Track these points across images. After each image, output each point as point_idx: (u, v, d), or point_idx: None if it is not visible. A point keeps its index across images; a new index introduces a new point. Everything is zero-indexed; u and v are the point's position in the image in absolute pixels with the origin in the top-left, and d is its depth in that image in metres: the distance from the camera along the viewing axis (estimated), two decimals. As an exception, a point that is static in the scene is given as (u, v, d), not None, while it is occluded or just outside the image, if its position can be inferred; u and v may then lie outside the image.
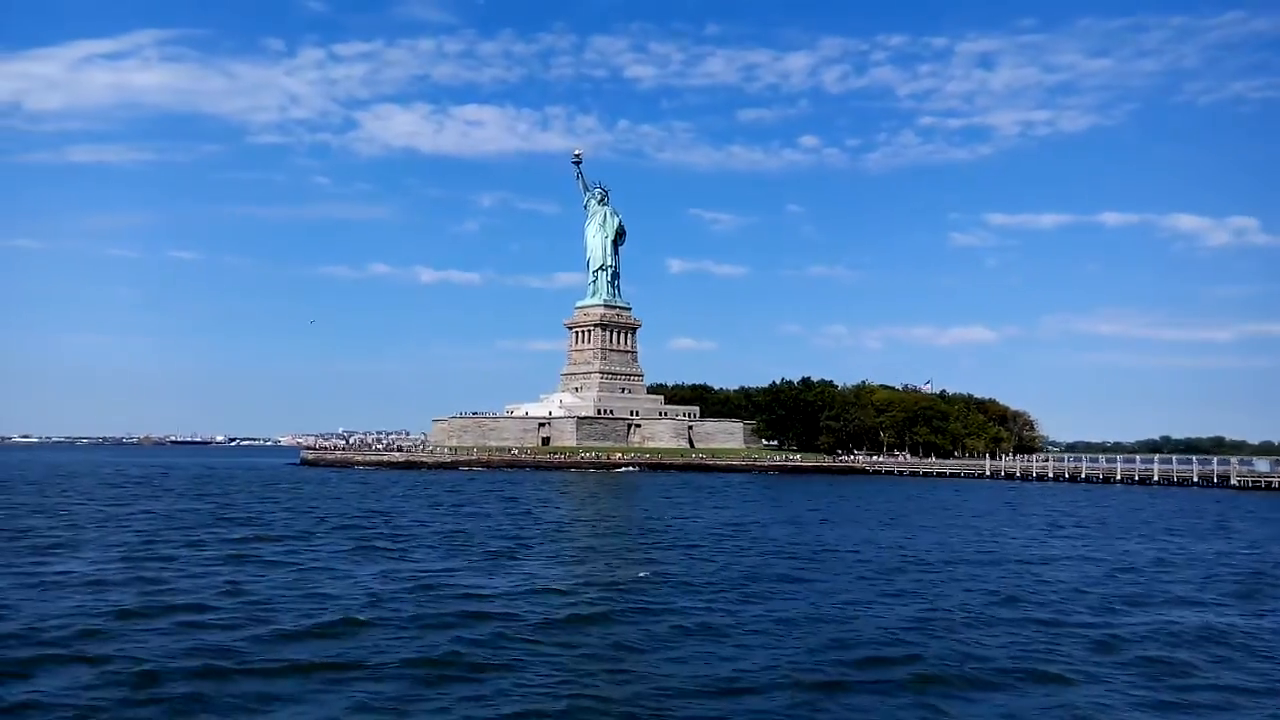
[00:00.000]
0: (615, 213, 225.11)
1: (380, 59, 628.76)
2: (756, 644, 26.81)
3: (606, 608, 31.77)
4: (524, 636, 27.23)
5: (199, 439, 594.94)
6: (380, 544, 49.87)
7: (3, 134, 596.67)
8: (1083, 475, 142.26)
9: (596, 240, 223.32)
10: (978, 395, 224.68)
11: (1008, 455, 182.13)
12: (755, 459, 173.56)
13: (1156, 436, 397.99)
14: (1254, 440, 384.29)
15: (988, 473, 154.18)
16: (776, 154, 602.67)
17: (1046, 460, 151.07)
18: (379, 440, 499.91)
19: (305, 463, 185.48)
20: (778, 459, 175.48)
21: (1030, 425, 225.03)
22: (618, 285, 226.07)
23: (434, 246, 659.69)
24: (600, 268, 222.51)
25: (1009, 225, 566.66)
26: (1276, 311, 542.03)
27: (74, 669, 22.88)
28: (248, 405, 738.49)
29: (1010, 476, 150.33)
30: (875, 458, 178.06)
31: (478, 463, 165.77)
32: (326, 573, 39.03)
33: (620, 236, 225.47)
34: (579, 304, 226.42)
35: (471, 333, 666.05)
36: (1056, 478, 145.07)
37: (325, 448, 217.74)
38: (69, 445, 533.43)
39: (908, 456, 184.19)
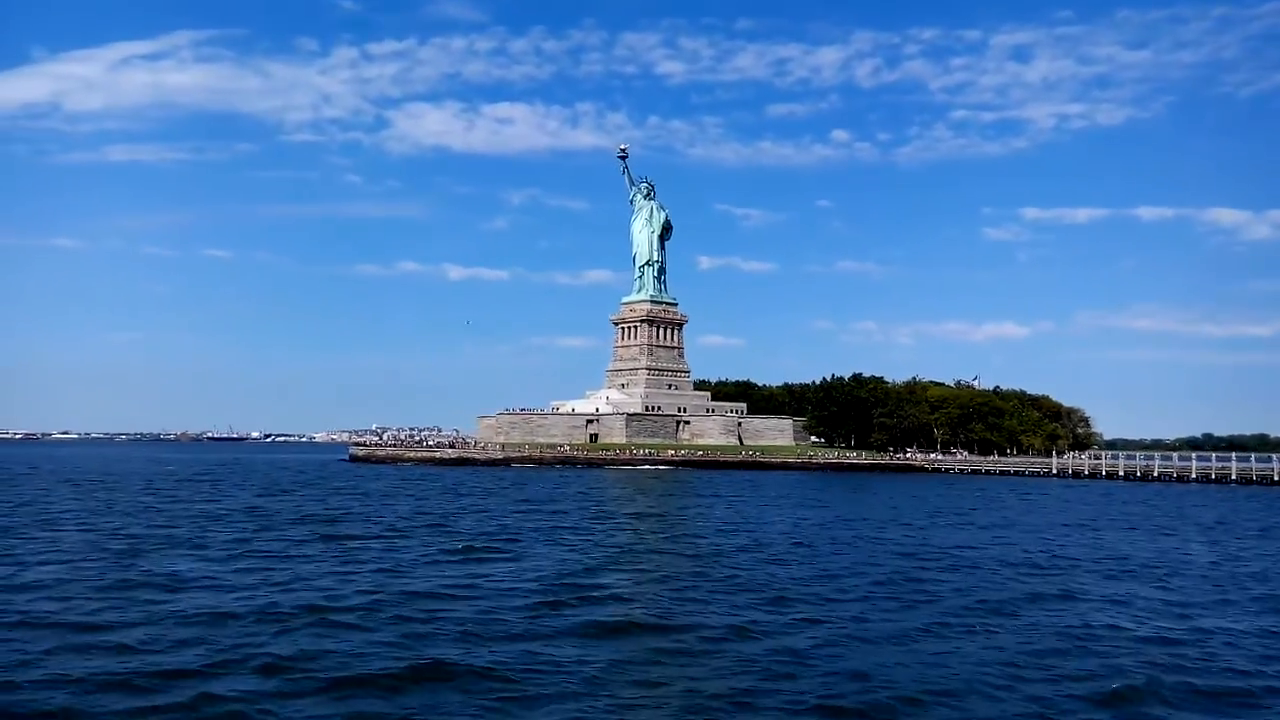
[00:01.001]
0: (662, 207, 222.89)
1: (412, 58, 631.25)
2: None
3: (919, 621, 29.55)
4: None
5: (235, 435, 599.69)
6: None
7: (43, 135, 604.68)
8: (1155, 474, 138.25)
9: (643, 235, 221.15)
10: (1030, 391, 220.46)
11: (1066, 453, 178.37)
12: (811, 456, 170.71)
13: (1198, 434, 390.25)
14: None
15: (1054, 471, 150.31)
16: (807, 149, 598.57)
17: (1117, 459, 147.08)
18: (412, 435, 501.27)
19: (355, 459, 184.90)
20: (831, 456, 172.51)
21: (1085, 422, 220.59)
22: (664, 280, 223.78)
23: (463, 244, 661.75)
24: (647, 263, 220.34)
25: (1043, 220, 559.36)
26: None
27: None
28: (281, 402, 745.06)
29: (1078, 475, 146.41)
30: (933, 455, 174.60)
31: (530, 459, 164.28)
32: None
33: (667, 231, 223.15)
34: (625, 299, 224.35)
35: (501, 330, 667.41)
36: (1127, 476, 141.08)
37: (373, 444, 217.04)
38: (107, 441, 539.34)
39: (965, 454, 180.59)
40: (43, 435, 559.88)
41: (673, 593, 34.07)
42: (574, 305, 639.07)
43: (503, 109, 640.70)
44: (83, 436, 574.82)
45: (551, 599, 32.03)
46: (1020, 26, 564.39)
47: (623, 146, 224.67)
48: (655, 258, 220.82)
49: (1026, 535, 58.38)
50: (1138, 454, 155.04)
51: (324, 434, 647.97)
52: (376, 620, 28.09)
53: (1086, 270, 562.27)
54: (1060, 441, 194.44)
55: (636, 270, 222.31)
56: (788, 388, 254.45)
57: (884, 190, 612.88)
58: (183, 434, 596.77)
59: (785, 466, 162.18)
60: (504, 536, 51.61)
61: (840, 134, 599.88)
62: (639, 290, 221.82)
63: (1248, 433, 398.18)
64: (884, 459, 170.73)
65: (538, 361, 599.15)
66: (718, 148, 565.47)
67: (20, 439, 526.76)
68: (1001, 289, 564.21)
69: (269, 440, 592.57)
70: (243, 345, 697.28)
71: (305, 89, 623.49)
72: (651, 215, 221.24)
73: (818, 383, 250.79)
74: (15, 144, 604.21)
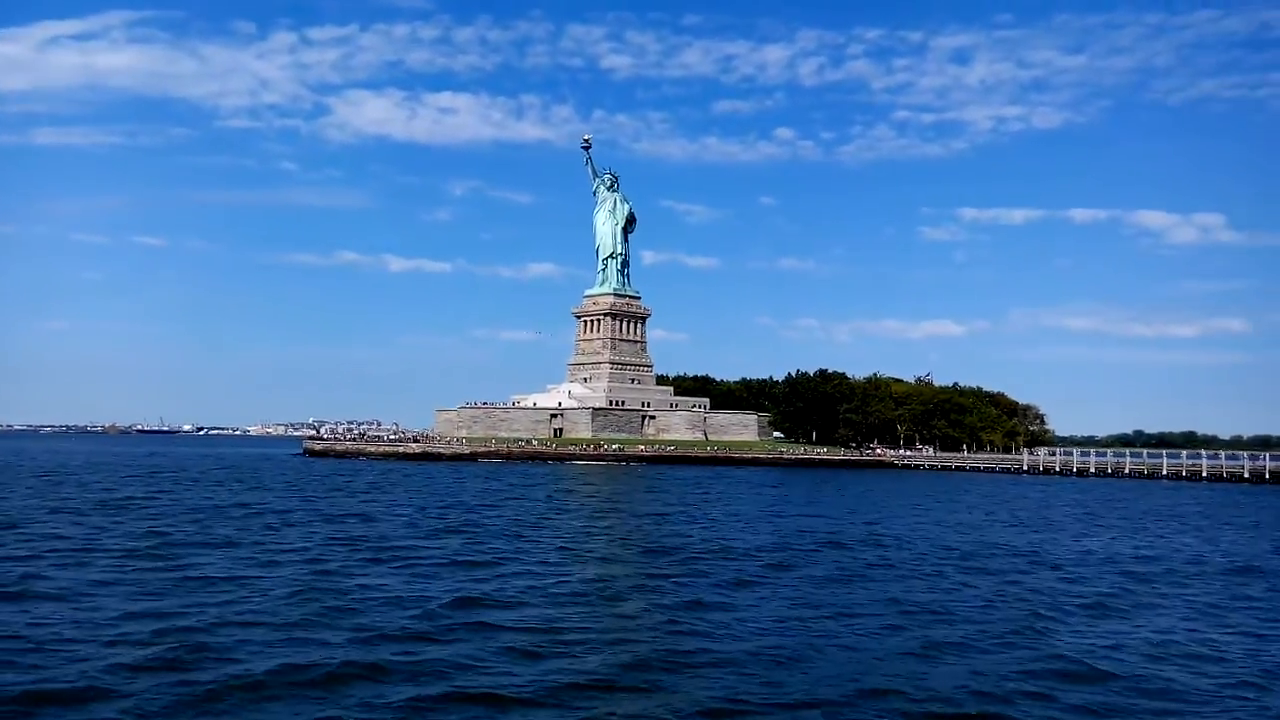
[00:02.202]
0: (625, 200, 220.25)
1: (353, 44, 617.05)
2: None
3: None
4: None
5: (166, 428, 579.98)
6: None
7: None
8: (1126, 471, 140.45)
9: (606, 227, 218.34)
10: (987, 388, 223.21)
11: (1024, 449, 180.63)
12: (782, 452, 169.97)
13: (1129, 431, 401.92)
14: (1224, 435, 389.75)
15: (1024, 468, 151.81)
16: (752, 146, 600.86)
17: (1088, 456, 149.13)
18: (351, 429, 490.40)
19: (311, 454, 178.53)
20: (801, 453, 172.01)
21: (1040, 419, 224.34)
22: (628, 274, 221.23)
23: (404, 235, 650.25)
24: (610, 255, 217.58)
25: (980, 220, 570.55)
26: (1239, 308, 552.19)
27: None
28: (213, 394, 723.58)
29: (1048, 471, 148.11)
30: (902, 452, 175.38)
31: (496, 454, 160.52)
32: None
33: (630, 224, 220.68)
34: (588, 292, 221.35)
35: (442, 322, 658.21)
36: (1099, 473, 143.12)
37: (331, 438, 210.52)
38: (32, 433, 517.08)
39: (930, 450, 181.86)
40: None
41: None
42: (518, 299, 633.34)
43: (446, 99, 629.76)
44: (5, 429, 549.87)
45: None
46: (961, 29, 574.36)
47: (586, 137, 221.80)
48: (619, 250, 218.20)
49: (1063, 534, 57.48)
50: (1108, 452, 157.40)
51: (258, 427, 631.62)
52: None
53: (1022, 270, 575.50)
54: (1019, 438, 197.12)
55: (600, 263, 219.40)
56: (745, 383, 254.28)
57: (826, 188, 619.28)
58: (111, 426, 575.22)
59: (756, 462, 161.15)
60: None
61: (784, 132, 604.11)
62: (602, 283, 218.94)
63: (1176, 430, 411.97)
64: (854, 455, 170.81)
65: (481, 355, 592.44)
66: (663, 143, 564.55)
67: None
68: (939, 288, 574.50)
69: (201, 433, 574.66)
70: (174, 335, 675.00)
71: (242, 74, 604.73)
72: (615, 207, 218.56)
73: (774, 378, 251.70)
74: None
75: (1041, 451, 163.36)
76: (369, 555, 40.96)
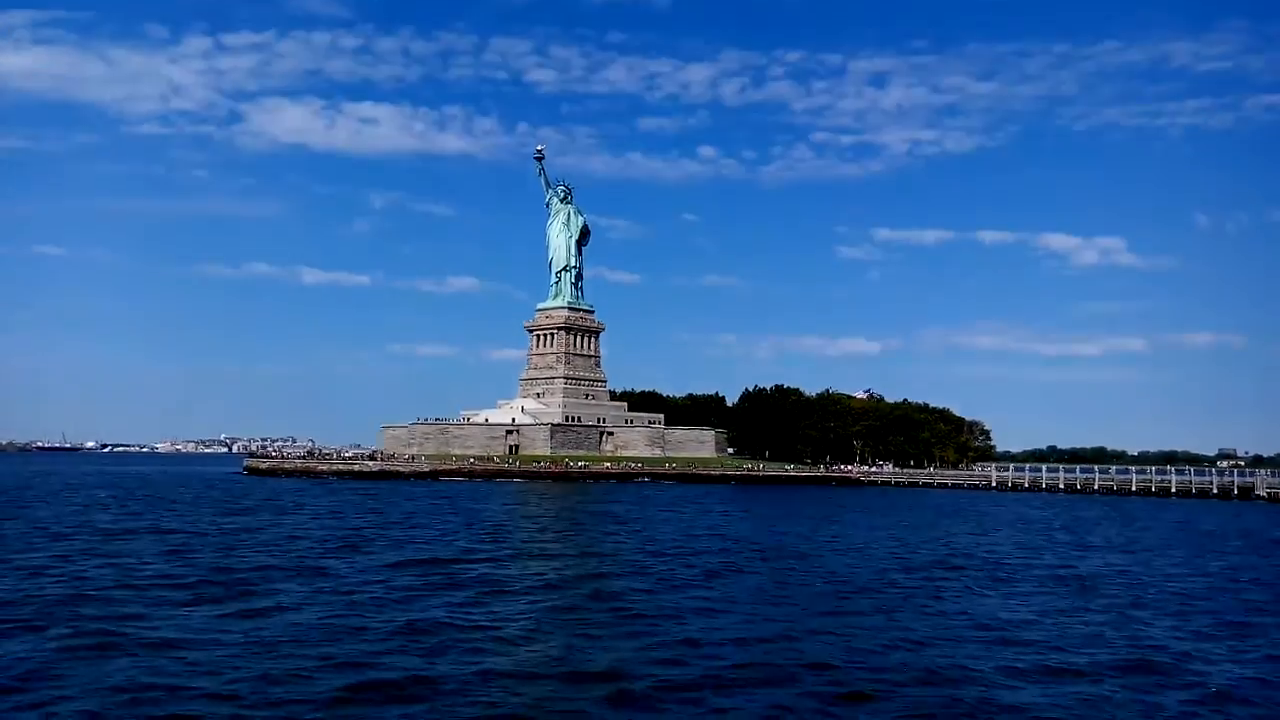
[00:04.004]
0: (579, 212, 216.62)
1: (270, 51, 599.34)
2: None
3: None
4: None
5: (68, 445, 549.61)
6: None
7: None
8: (1095, 487, 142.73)
9: (560, 240, 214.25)
10: (933, 404, 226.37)
11: (973, 464, 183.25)
12: (750, 469, 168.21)
13: (1043, 446, 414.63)
14: (1132, 450, 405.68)
15: (993, 484, 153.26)
16: (675, 164, 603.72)
17: (1056, 472, 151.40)
18: (265, 447, 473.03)
19: (255, 471, 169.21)
20: (763, 469, 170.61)
21: (986, 434, 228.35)
22: (581, 287, 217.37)
23: (322, 247, 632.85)
24: (564, 268, 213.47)
25: (893, 240, 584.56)
26: (1139, 327, 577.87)
27: None
28: (115, 410, 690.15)
29: (1016, 488, 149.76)
30: (867, 468, 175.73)
31: (458, 472, 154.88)
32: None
33: (585, 236, 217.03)
34: (540, 306, 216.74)
35: (360, 336, 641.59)
36: (1068, 489, 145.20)
37: (274, 456, 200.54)
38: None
39: (890, 466, 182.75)
40: None
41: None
42: (437, 312, 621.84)
43: (367, 109, 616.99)
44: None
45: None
46: (878, 53, 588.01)
47: (540, 148, 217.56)
48: (573, 263, 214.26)
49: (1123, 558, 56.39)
50: (1076, 468, 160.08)
51: (167, 444, 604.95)
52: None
53: (933, 289, 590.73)
54: (970, 454, 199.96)
55: (553, 275, 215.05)
56: (693, 399, 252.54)
57: (747, 207, 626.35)
58: (9, 443, 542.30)
59: (725, 479, 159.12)
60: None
61: (707, 150, 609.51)
62: (555, 296, 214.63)
63: (1087, 446, 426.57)
64: (819, 471, 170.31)
65: (398, 370, 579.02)
66: (587, 158, 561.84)
67: None
68: (854, 305, 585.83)
69: (106, 450, 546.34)
70: (75, 347, 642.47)
71: (153, 78, 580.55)
72: (569, 219, 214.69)
73: (720, 394, 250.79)
74: None
75: (1007, 469, 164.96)
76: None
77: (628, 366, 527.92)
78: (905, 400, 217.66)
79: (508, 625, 30.45)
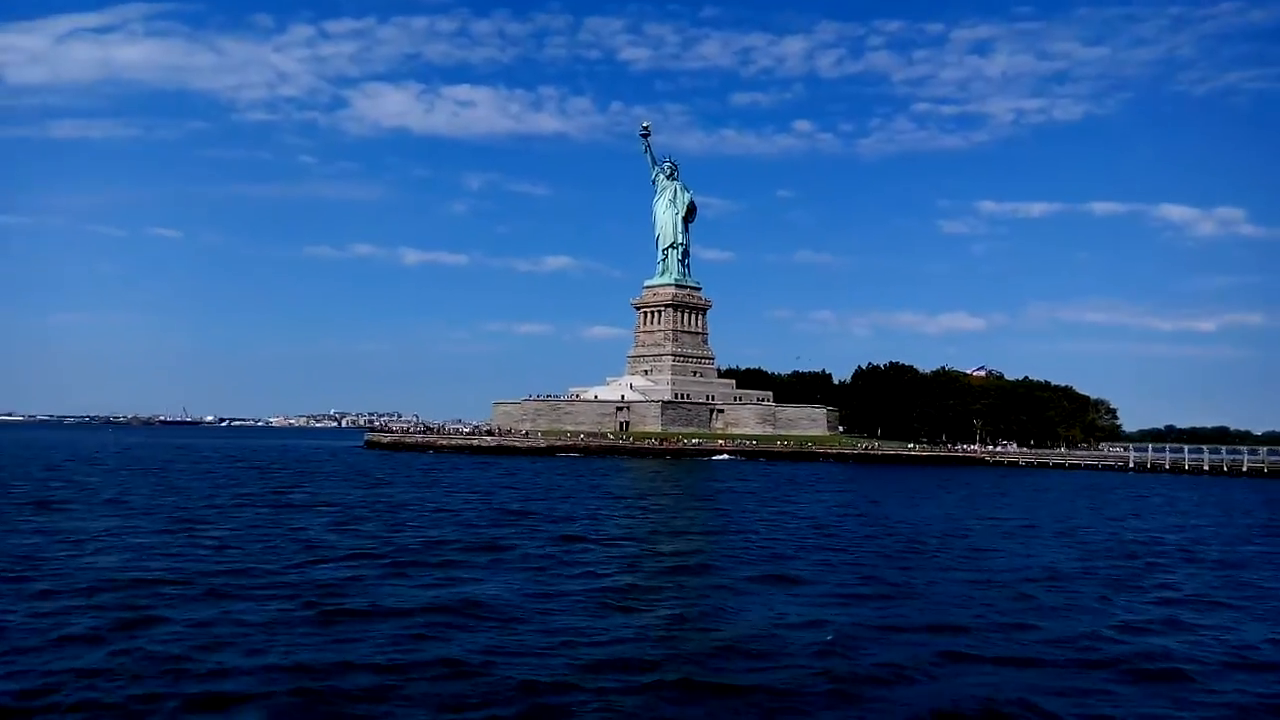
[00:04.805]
0: (686, 188, 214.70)
1: (371, 37, 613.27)
2: None
3: None
4: None
5: (189, 419, 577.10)
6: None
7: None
8: (1244, 469, 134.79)
9: (666, 216, 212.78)
10: (1055, 382, 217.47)
11: (1103, 445, 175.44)
12: (868, 448, 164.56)
13: (1160, 426, 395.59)
14: (1258, 430, 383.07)
15: (1129, 465, 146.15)
16: (769, 139, 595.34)
17: (1200, 453, 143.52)
18: (371, 421, 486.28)
19: (376, 445, 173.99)
20: (879, 448, 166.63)
21: (1112, 413, 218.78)
22: (688, 264, 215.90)
23: (421, 228, 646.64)
24: (671, 245, 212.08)
25: (998, 213, 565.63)
26: (1260, 302, 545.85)
27: None
28: (231, 385, 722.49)
29: (1156, 469, 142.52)
30: (992, 448, 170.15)
31: (573, 448, 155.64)
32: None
33: (691, 213, 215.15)
34: (647, 283, 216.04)
35: (458, 315, 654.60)
36: (1214, 470, 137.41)
37: (391, 430, 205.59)
38: (56, 424, 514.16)
39: (1014, 446, 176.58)
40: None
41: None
42: (533, 291, 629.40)
43: (464, 91, 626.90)
44: (27, 419, 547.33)
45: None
46: (982, 21, 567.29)
47: (645, 124, 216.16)
48: (679, 240, 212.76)
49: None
50: (1222, 449, 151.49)
51: (280, 418, 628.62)
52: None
53: (1040, 263, 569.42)
54: (1096, 434, 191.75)
55: (660, 252, 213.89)
56: (799, 376, 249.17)
57: (844, 181, 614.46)
58: (134, 417, 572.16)
59: (841, 458, 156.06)
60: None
61: (803, 124, 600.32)
62: (662, 274, 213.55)
63: (1208, 425, 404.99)
64: (940, 451, 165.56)
65: (497, 347, 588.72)
66: (681, 135, 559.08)
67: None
68: (956, 280, 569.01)
69: (224, 425, 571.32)
70: (192, 327, 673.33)
71: (260, 66, 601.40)
72: (675, 196, 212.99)
73: (827, 371, 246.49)
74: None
75: (1144, 449, 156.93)
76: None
77: (721, 344, 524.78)
78: (1026, 378, 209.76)
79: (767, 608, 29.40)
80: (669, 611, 28.01)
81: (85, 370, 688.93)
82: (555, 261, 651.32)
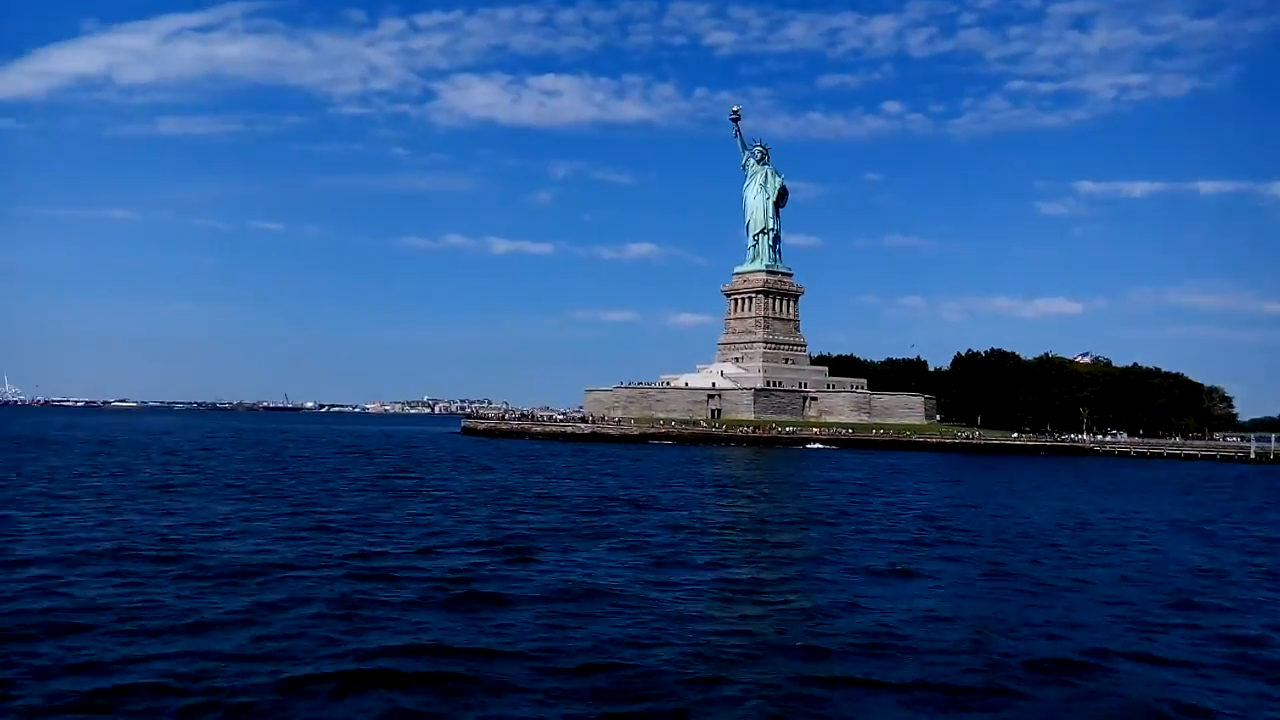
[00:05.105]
0: (777, 173, 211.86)
1: (459, 29, 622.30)
2: None
3: None
4: None
5: (290, 405, 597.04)
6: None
7: (96, 107, 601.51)
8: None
9: (757, 201, 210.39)
10: (1164, 369, 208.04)
11: (1218, 434, 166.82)
12: (968, 436, 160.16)
13: (1275, 414, 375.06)
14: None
15: (1251, 455, 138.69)
16: (857, 121, 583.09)
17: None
18: (464, 408, 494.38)
19: (473, 432, 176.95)
20: (980, 436, 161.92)
21: (1228, 402, 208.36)
22: (779, 250, 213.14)
23: (508, 217, 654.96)
24: (761, 231, 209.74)
25: (1098, 193, 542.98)
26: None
27: None
28: (329, 372, 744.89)
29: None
30: (1101, 437, 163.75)
31: (666, 435, 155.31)
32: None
33: (782, 198, 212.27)
34: (738, 269, 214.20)
35: (544, 303, 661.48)
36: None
37: (488, 416, 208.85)
38: (166, 410, 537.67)
39: (1122, 435, 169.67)
40: (102, 403, 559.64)
41: None
42: (617, 279, 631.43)
43: (549, 81, 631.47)
44: (140, 405, 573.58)
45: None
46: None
47: (735, 109, 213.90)
48: (770, 225, 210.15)
49: None
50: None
51: (376, 404, 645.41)
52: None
53: (1143, 245, 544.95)
54: (1212, 422, 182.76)
55: (750, 238, 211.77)
56: (893, 363, 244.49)
57: (935, 163, 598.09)
58: (239, 403, 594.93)
59: (942, 447, 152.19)
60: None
61: (892, 105, 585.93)
62: (753, 260, 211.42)
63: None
64: (1045, 440, 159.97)
65: (583, 335, 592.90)
66: (766, 120, 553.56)
67: (82, 407, 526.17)
68: (1054, 264, 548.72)
69: (323, 410, 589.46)
70: (293, 316, 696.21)
71: (353, 61, 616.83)
72: (766, 181, 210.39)
73: (921, 358, 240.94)
74: (69, 116, 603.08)
75: (1267, 439, 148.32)
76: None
77: (808, 331, 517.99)
78: (1135, 364, 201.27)
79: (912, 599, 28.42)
80: (799, 604, 27.20)
81: (192, 358, 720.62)
82: (639, 249, 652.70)
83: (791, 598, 28.03)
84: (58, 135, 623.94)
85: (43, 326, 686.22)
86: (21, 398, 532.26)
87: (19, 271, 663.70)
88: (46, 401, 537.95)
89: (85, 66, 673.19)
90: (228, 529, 39.38)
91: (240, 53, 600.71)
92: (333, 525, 41.48)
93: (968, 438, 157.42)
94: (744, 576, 31.39)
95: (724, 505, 55.75)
